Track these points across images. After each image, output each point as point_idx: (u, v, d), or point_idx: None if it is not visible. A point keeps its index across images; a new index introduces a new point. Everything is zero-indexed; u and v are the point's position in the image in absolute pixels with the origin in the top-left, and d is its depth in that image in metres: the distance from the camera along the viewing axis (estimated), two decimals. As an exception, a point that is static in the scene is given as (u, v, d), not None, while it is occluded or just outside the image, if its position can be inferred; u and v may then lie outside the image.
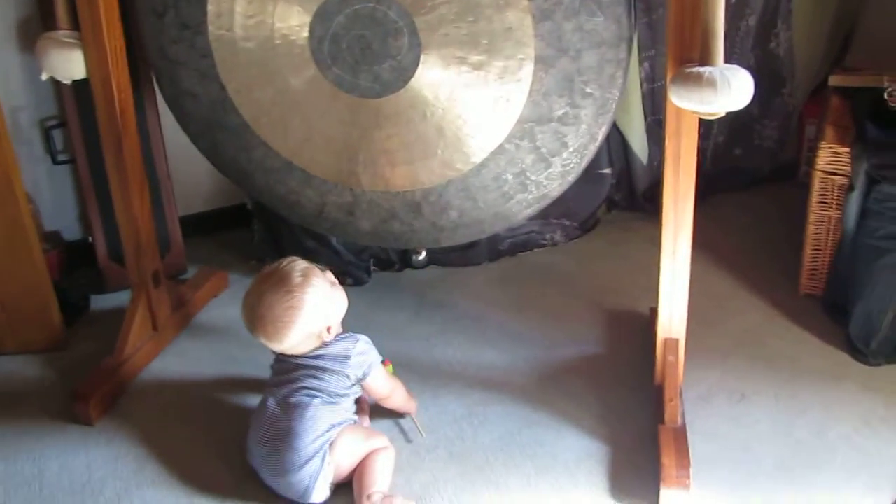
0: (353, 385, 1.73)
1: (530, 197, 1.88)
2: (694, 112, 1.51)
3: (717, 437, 1.79)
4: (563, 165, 1.82)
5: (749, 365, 1.99)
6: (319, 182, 2.00)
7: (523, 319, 2.19)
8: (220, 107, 1.96)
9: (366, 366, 1.73)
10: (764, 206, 2.64)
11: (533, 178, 1.85)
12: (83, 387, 1.93)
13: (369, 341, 1.76)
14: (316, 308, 1.66)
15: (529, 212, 1.92)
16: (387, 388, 1.80)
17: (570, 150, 1.79)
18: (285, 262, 1.71)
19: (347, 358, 1.70)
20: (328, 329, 1.69)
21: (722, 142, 2.66)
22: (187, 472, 1.76)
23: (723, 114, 1.48)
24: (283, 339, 1.66)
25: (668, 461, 1.65)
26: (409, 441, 1.82)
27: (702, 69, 1.46)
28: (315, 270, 1.71)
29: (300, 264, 1.70)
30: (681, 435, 1.72)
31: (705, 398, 1.90)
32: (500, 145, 1.81)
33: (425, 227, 1.99)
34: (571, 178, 1.85)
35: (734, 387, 1.93)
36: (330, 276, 1.75)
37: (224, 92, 1.93)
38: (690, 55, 1.52)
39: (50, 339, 2.15)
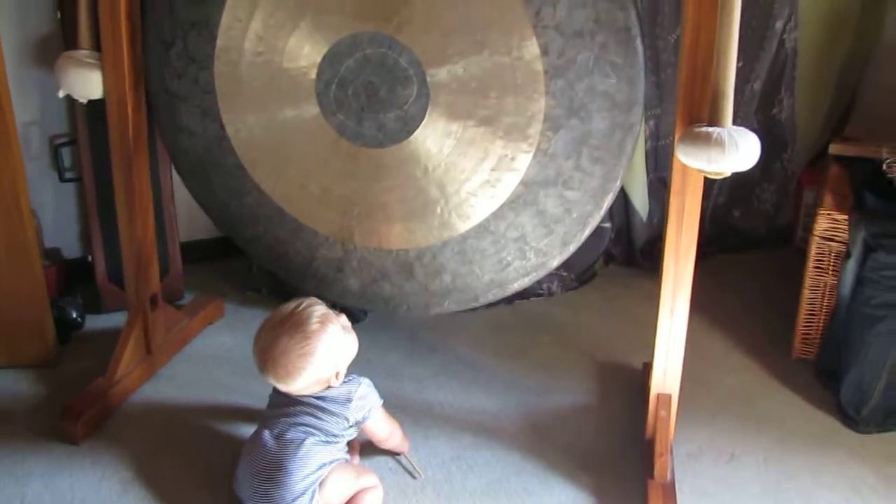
0: (351, 427, 1.73)
1: (528, 265, 1.86)
2: (700, 171, 1.53)
3: (705, 496, 1.79)
4: (565, 233, 1.80)
5: (739, 425, 1.99)
6: (310, 234, 1.96)
7: (516, 367, 2.19)
8: (216, 146, 1.94)
9: (366, 409, 1.73)
10: (760, 268, 2.66)
11: (533, 244, 1.83)
12: (72, 405, 1.92)
13: (371, 384, 1.76)
14: (329, 356, 1.66)
15: (525, 281, 1.90)
16: (386, 430, 1.80)
17: (574, 217, 1.77)
18: (304, 303, 1.70)
19: (349, 401, 1.70)
20: (336, 375, 1.69)
21: (721, 203, 2.70)
22: (172, 498, 1.74)
23: (728, 174, 1.51)
24: (293, 384, 1.66)
25: (655, 517, 1.65)
26: (414, 478, 1.81)
27: (710, 129, 1.49)
28: (332, 316, 1.70)
29: (319, 309, 1.69)
30: (670, 491, 1.72)
31: (695, 456, 1.90)
32: (502, 207, 1.80)
33: (416, 289, 1.96)
34: (572, 247, 1.82)
35: (723, 447, 1.93)
36: (344, 319, 1.74)
37: (223, 131, 1.92)
38: (699, 115, 1.55)
39: (42, 355, 2.15)
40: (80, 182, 2.38)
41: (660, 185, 2.58)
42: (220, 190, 2.01)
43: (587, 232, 1.81)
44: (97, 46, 1.88)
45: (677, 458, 1.86)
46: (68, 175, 2.40)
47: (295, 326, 1.65)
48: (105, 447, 1.89)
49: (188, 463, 1.84)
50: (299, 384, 1.66)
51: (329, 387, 1.70)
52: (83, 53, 1.88)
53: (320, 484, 1.65)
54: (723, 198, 2.69)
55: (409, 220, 1.87)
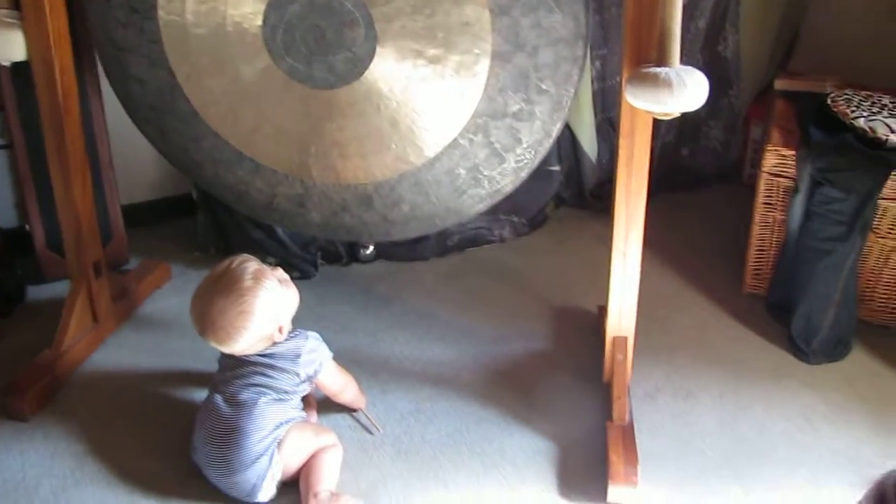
0: (303, 382, 1.70)
1: (483, 192, 1.87)
2: (649, 112, 1.52)
3: (663, 434, 1.81)
4: (517, 161, 1.81)
5: (694, 363, 2.02)
6: (269, 173, 1.96)
7: (471, 315, 2.18)
8: (168, 94, 1.91)
9: (316, 363, 1.70)
10: (709, 206, 2.68)
11: (486, 173, 1.84)
12: (18, 380, 1.87)
13: (319, 338, 1.73)
14: (268, 311, 1.63)
15: (482, 207, 1.91)
16: (338, 384, 1.78)
17: (524, 146, 1.79)
18: (235, 261, 1.66)
19: (298, 356, 1.67)
20: (280, 329, 1.66)
21: (670, 142, 2.69)
22: (128, 470, 1.71)
23: (678, 114, 1.49)
24: (235, 344, 1.62)
25: (615, 458, 1.67)
26: (371, 433, 1.80)
27: (658, 69, 1.47)
28: (266, 271, 1.66)
29: (251, 265, 1.66)
30: (628, 432, 1.74)
31: (652, 395, 1.92)
32: (454, 140, 1.80)
33: (376, 220, 1.97)
34: (524, 174, 1.84)
35: (680, 385, 1.95)
36: (280, 273, 1.71)
37: (173, 79, 1.89)
38: (647, 55, 1.53)
39: (-17, 331, 2.08)
40: (11, 148, 2.29)
41: (608, 127, 2.57)
42: (178, 137, 1.98)
43: (538, 159, 1.82)
44: (16, 4, 1.78)
45: (635, 398, 1.87)
46: (-3, 142, 2.31)
47: (229, 285, 1.62)
48: (55, 421, 1.84)
49: (142, 432, 1.81)
50: (242, 344, 1.63)
51: (275, 343, 1.67)
52: (2, 13, 1.78)
53: (278, 444, 1.63)
54: (671, 136, 2.69)
55: (364, 157, 1.87)
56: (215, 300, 1.61)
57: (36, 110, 1.90)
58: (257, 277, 1.63)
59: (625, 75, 1.55)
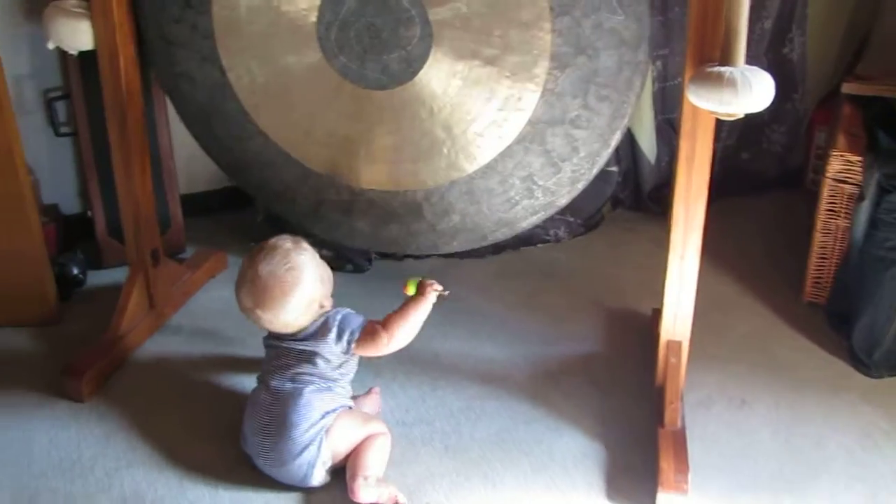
0: (345, 362, 1.70)
1: (536, 203, 1.84)
2: (712, 112, 1.48)
3: (716, 442, 1.77)
4: (573, 171, 1.78)
5: (750, 371, 1.97)
6: (316, 178, 1.95)
7: (524, 315, 2.17)
8: (218, 92, 1.91)
9: (348, 330, 1.66)
10: (769, 211, 2.62)
11: (541, 183, 1.80)
12: (76, 362, 1.90)
13: (344, 308, 1.71)
14: (314, 270, 1.65)
15: (534, 219, 1.88)
16: (383, 340, 1.68)
17: (582, 155, 1.75)
18: (270, 239, 1.69)
19: (329, 330, 1.67)
20: (328, 297, 1.68)
21: (731, 144, 2.64)
22: (179, 455, 1.74)
23: (741, 115, 1.46)
24: (287, 306, 1.62)
25: (666, 465, 1.64)
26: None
27: (723, 69, 1.44)
28: (299, 239, 1.69)
29: (285, 236, 1.69)
30: (680, 439, 1.71)
31: (705, 403, 1.88)
32: (509, 147, 1.77)
33: (424, 230, 1.95)
34: (581, 185, 1.81)
35: (734, 393, 1.91)
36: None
37: (224, 77, 1.88)
38: (711, 54, 1.50)
39: (44, 313, 2.13)
40: (76, 136, 2.34)
41: (667, 128, 2.53)
42: (224, 136, 1.98)
43: (595, 170, 1.79)
44: (86, -5, 1.82)
45: (688, 405, 1.84)
46: (63, 129, 2.35)
47: (270, 252, 1.64)
48: (110, 404, 1.87)
49: (194, 418, 1.83)
50: (295, 305, 1.62)
51: (313, 322, 1.66)
52: (71, 3, 1.82)
53: (326, 432, 1.63)
54: (732, 139, 2.63)
55: (415, 162, 1.85)
56: (261, 267, 1.62)
57: (100, 99, 1.94)
58: (296, 241, 1.67)
59: (688, 74, 1.51)
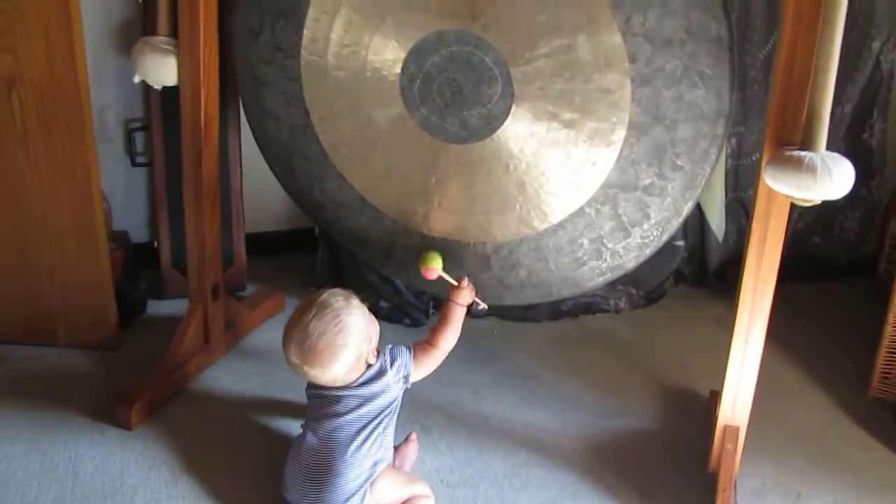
0: (397, 397, 1.70)
1: (604, 265, 1.83)
2: (788, 197, 1.45)
3: (768, 535, 1.71)
4: (643, 237, 1.77)
5: (808, 464, 1.90)
6: (390, 222, 1.97)
7: (578, 384, 2.13)
8: (301, 133, 1.96)
9: (400, 360, 1.70)
10: (838, 299, 2.55)
11: (610, 246, 1.80)
12: (129, 390, 1.92)
13: (385, 348, 1.73)
14: (363, 328, 1.64)
15: (601, 281, 1.87)
16: (433, 356, 1.77)
17: (652, 222, 1.74)
18: (318, 293, 1.68)
19: (384, 372, 1.67)
20: (374, 351, 1.67)
21: (801, 227, 2.59)
22: (220, 493, 1.73)
23: (818, 202, 1.43)
24: (337, 366, 1.62)
25: (715, 554, 1.58)
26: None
27: (802, 154, 1.41)
28: (348, 294, 1.69)
29: (336, 291, 1.68)
30: (731, 528, 1.65)
31: (759, 493, 1.81)
32: (581, 208, 1.77)
33: (492, 282, 1.95)
34: (649, 251, 1.79)
35: (790, 485, 1.84)
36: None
37: (307, 118, 1.93)
38: (790, 137, 1.47)
39: (103, 338, 2.16)
40: (152, 167, 2.39)
41: (738, 206, 2.49)
42: (304, 175, 2.02)
43: (665, 237, 1.78)
44: (175, 33, 1.87)
45: (740, 492, 1.77)
46: (140, 160, 2.41)
47: (322, 309, 1.63)
48: (157, 434, 1.88)
49: (237, 457, 1.83)
50: (343, 364, 1.62)
51: (363, 374, 1.66)
52: (160, 39, 1.88)
53: (371, 484, 1.61)
54: (803, 222, 2.58)
55: (487, 215, 1.87)
56: (311, 326, 1.61)
57: (178, 133, 1.99)
58: (347, 298, 1.66)
59: (765, 156, 1.49)
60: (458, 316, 1.81)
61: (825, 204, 2.44)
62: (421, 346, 1.77)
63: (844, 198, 2.52)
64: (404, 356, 1.72)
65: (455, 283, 1.84)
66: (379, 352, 1.70)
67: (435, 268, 1.86)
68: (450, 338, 1.79)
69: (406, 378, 1.71)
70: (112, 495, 1.71)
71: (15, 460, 1.79)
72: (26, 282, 2.10)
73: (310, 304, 1.65)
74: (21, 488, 1.72)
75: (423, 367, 1.76)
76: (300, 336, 1.62)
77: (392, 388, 1.68)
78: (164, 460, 1.81)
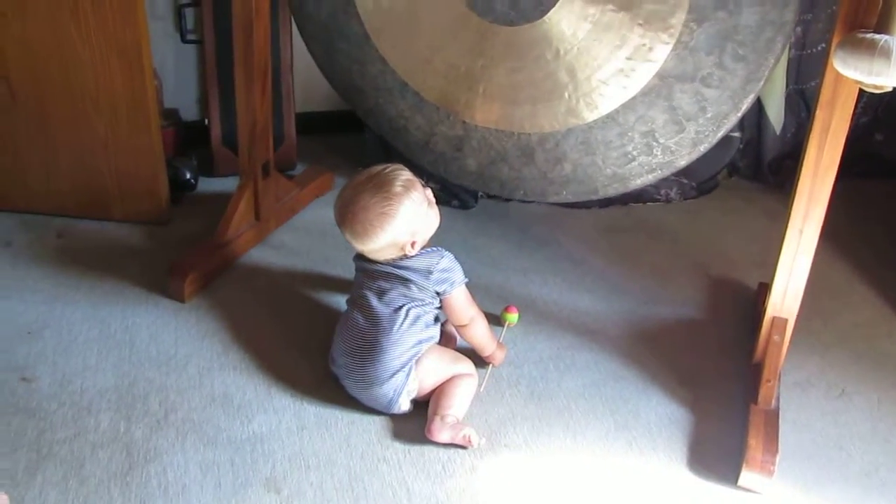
0: (435, 298, 1.70)
1: (654, 161, 1.78)
2: (857, 82, 1.39)
3: (809, 429, 1.71)
4: (697, 133, 1.70)
5: (854, 361, 1.89)
6: (431, 109, 1.92)
7: (625, 271, 2.12)
8: (342, 12, 1.89)
9: (447, 283, 1.68)
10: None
11: (661, 141, 1.74)
12: (180, 263, 1.96)
13: (454, 259, 1.71)
14: (408, 221, 1.64)
15: (650, 178, 1.82)
16: (467, 312, 1.73)
17: (708, 116, 1.67)
18: (391, 167, 1.68)
19: (430, 272, 1.67)
20: (412, 244, 1.66)
21: (863, 123, 2.50)
22: (270, 364, 1.77)
23: (889, 88, 1.37)
24: (368, 242, 1.64)
25: (755, 443, 1.59)
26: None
27: (877, 36, 1.34)
28: (417, 184, 1.67)
29: (405, 174, 1.67)
30: (773, 419, 1.65)
31: (802, 387, 1.81)
32: (633, 99, 1.71)
33: (535, 175, 1.91)
34: (703, 147, 1.73)
35: (834, 381, 1.83)
36: (430, 193, 1.70)
37: (349, -4, 1.87)
38: (865, 20, 1.40)
39: (155, 213, 2.19)
40: (202, 44, 2.37)
41: (798, 99, 2.41)
42: (344, 58, 1.97)
43: (721, 133, 1.71)
44: None
45: (784, 386, 1.78)
46: (190, 37, 2.39)
47: (379, 185, 1.63)
48: (209, 306, 1.93)
49: (287, 330, 1.87)
50: (375, 244, 1.64)
51: (406, 256, 1.66)
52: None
53: (416, 361, 1.64)
54: (866, 118, 2.50)
55: (534, 104, 1.80)
56: (362, 195, 1.63)
57: (228, 10, 1.96)
58: (408, 186, 1.65)
59: (836, 39, 1.42)
60: (491, 342, 1.78)
61: (890, 99, 2.37)
62: (470, 298, 1.73)
63: (911, 93, 2.46)
64: (454, 283, 1.69)
65: (500, 342, 1.81)
66: (430, 246, 1.70)
67: (510, 323, 1.89)
68: (481, 334, 1.76)
69: (439, 295, 1.69)
70: (166, 363, 1.77)
71: (76, 326, 1.85)
72: (81, 155, 2.13)
73: (374, 175, 1.66)
74: (82, 353, 1.78)
75: (456, 308, 1.72)
76: (349, 198, 1.64)
77: (426, 290, 1.67)
78: (216, 332, 1.86)
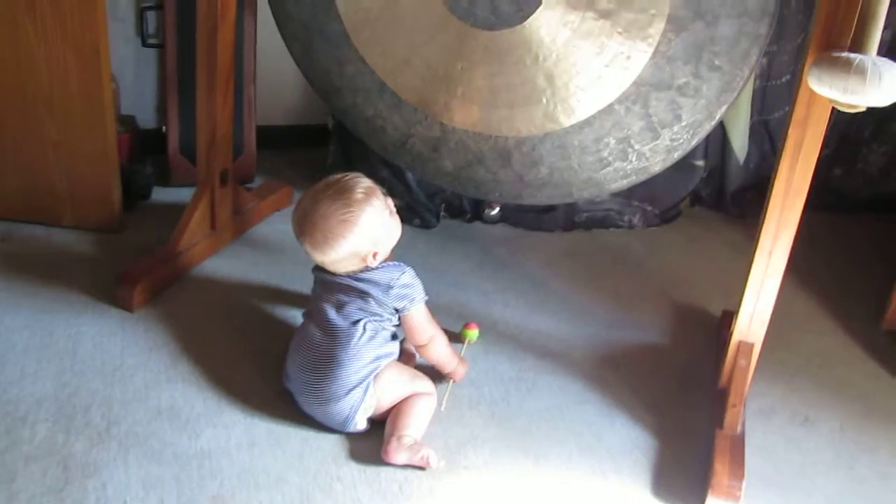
0: (393, 315, 1.64)
1: (629, 167, 1.77)
2: (831, 101, 1.39)
3: (774, 455, 1.68)
4: (672, 140, 1.71)
5: (817, 390, 1.87)
6: (409, 110, 1.91)
7: (588, 295, 2.09)
8: (322, 11, 1.87)
9: (407, 300, 1.62)
10: (856, 233, 2.50)
11: (637, 147, 1.73)
12: (130, 271, 1.88)
13: (415, 275, 1.66)
14: (370, 229, 1.58)
15: (623, 184, 1.82)
16: (426, 331, 1.67)
17: (683, 124, 1.68)
18: (351, 175, 1.63)
19: (390, 288, 1.61)
20: (374, 255, 1.61)
21: (823, 157, 2.51)
22: (221, 378, 1.70)
23: (863, 108, 1.36)
24: (328, 251, 1.58)
25: (721, 468, 1.55)
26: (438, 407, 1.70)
27: (852, 55, 1.34)
28: (378, 192, 1.62)
29: (365, 182, 1.62)
30: (738, 444, 1.62)
31: (767, 413, 1.79)
32: (610, 105, 1.70)
33: (511, 178, 1.89)
34: (677, 155, 1.74)
35: (798, 408, 1.81)
36: (391, 203, 1.65)
37: (330, -5, 1.85)
38: (839, 40, 1.40)
39: (106, 220, 2.12)
40: (163, 49, 2.31)
41: (762, 129, 2.43)
42: (323, 57, 1.94)
43: (695, 142, 1.72)
44: None
45: (748, 412, 1.75)
46: (151, 41, 2.33)
47: (339, 193, 1.58)
48: (159, 317, 1.85)
49: (238, 344, 1.80)
50: (335, 253, 1.58)
51: (368, 269, 1.61)
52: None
53: (374, 377, 1.59)
54: (826, 151, 2.51)
55: (512, 108, 1.79)
56: (322, 203, 1.57)
57: (192, 14, 1.91)
58: (368, 194, 1.60)
59: (810, 58, 1.42)
60: (451, 360, 1.74)
61: (850, 135, 2.39)
62: (428, 316, 1.68)
63: (871, 130, 2.49)
64: (414, 300, 1.63)
65: (462, 357, 1.78)
66: (391, 260, 1.65)
67: (470, 340, 1.85)
68: (441, 354, 1.71)
69: (398, 311, 1.63)
70: (111, 374, 1.69)
71: (15, 333, 1.76)
72: (30, 157, 2.05)
73: (334, 183, 1.61)
74: (20, 361, 1.69)
75: (415, 327, 1.67)
76: (307, 206, 1.59)
77: (385, 305, 1.61)
78: (165, 343, 1.78)
